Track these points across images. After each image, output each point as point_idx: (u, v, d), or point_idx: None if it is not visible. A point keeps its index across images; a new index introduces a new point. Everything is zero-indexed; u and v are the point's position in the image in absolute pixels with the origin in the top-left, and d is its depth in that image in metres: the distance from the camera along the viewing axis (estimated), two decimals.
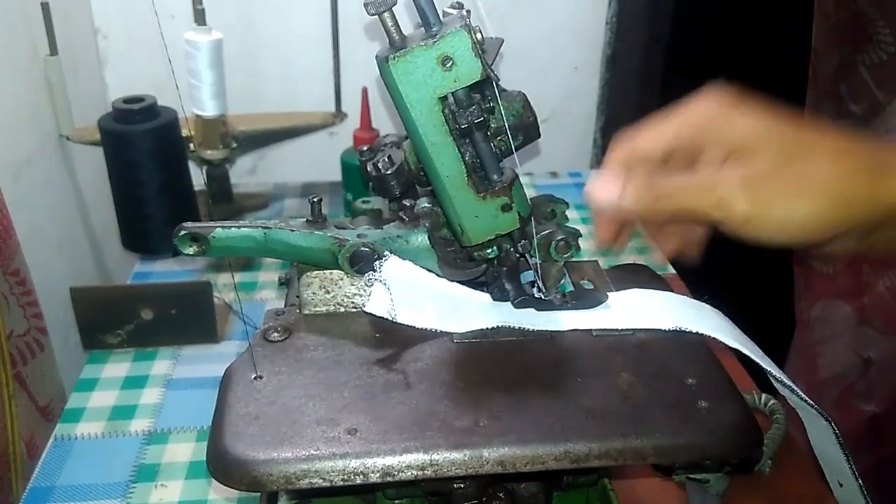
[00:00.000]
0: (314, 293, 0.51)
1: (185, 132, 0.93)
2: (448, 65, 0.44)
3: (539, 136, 0.51)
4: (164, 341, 0.80)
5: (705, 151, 0.44)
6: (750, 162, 0.42)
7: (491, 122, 0.48)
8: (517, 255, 0.52)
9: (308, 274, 0.51)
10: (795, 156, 0.42)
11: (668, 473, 0.54)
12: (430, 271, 0.51)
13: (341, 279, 0.51)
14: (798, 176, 0.41)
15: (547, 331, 0.49)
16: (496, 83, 0.47)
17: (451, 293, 0.51)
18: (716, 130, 0.44)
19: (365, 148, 0.58)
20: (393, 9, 0.45)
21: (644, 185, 0.44)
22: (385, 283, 0.49)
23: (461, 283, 0.52)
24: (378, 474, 0.40)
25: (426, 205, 0.53)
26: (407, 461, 0.40)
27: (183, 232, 0.48)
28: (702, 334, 0.49)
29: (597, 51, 1.22)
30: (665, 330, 0.49)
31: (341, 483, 0.40)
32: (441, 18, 0.46)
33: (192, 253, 0.49)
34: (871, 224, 0.43)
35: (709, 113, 0.44)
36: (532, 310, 0.51)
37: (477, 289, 0.52)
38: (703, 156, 0.44)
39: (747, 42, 1.32)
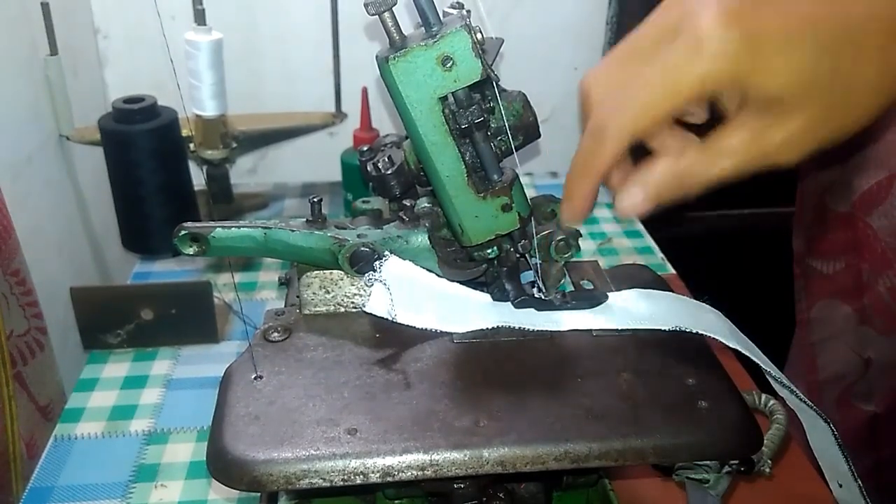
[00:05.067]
0: (314, 293, 0.51)
1: (185, 132, 0.93)
2: (448, 65, 0.44)
3: (539, 136, 0.51)
4: (164, 341, 0.80)
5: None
6: None
7: (491, 122, 0.48)
8: (517, 255, 0.52)
9: (308, 274, 0.51)
10: None
11: (668, 473, 0.54)
12: (431, 271, 0.51)
13: (341, 279, 0.51)
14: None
15: (547, 331, 0.49)
16: (496, 83, 0.47)
17: (452, 293, 0.51)
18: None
19: (365, 148, 0.58)
20: (393, 9, 0.45)
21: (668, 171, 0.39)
22: (385, 284, 0.49)
23: (461, 283, 0.52)
24: (378, 474, 0.40)
25: (426, 205, 0.53)
26: (407, 461, 0.40)
27: (183, 232, 0.48)
28: (702, 334, 0.49)
29: (597, 51, 1.22)
30: (665, 330, 0.49)
31: (341, 483, 0.40)
32: (441, 18, 0.46)
33: (192, 253, 0.49)
34: None
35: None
36: (532, 310, 0.51)
37: (477, 289, 0.52)
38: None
39: None
